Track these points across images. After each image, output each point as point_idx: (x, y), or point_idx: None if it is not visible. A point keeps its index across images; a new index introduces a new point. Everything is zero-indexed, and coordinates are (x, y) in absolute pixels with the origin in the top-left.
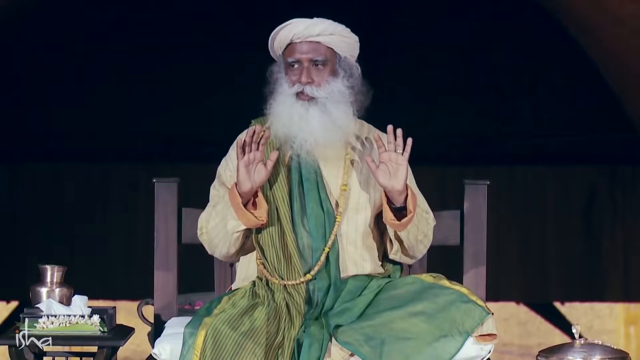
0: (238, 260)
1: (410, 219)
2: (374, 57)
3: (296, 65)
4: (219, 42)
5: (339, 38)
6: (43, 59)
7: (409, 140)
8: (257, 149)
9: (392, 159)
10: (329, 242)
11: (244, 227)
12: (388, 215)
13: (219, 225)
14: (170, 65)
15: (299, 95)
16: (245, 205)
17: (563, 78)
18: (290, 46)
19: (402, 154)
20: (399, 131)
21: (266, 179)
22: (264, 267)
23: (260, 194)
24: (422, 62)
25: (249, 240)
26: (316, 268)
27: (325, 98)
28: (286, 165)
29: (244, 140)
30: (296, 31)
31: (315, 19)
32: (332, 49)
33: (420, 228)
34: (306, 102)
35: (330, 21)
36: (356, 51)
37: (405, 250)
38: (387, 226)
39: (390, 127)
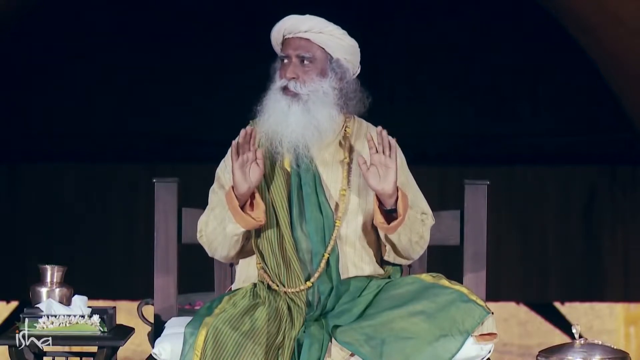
0: (238, 262)
1: (400, 222)
2: (374, 57)
3: (286, 61)
4: (219, 42)
5: (329, 37)
6: (43, 59)
7: (393, 142)
8: (249, 149)
9: (382, 162)
10: (329, 248)
11: (243, 230)
12: (378, 218)
13: (217, 229)
14: (170, 65)
15: (285, 90)
16: (242, 207)
17: (563, 78)
18: (284, 42)
19: (390, 156)
20: (384, 133)
21: (261, 178)
22: (265, 272)
23: (257, 195)
24: (422, 62)
25: (249, 243)
26: (316, 275)
27: (307, 95)
28: (284, 170)
29: (238, 142)
30: (286, 26)
31: (306, 15)
32: (323, 48)
33: (414, 230)
34: (289, 98)
35: (321, 19)
36: (352, 55)
37: (398, 252)
38: (378, 229)
39: (379, 129)
